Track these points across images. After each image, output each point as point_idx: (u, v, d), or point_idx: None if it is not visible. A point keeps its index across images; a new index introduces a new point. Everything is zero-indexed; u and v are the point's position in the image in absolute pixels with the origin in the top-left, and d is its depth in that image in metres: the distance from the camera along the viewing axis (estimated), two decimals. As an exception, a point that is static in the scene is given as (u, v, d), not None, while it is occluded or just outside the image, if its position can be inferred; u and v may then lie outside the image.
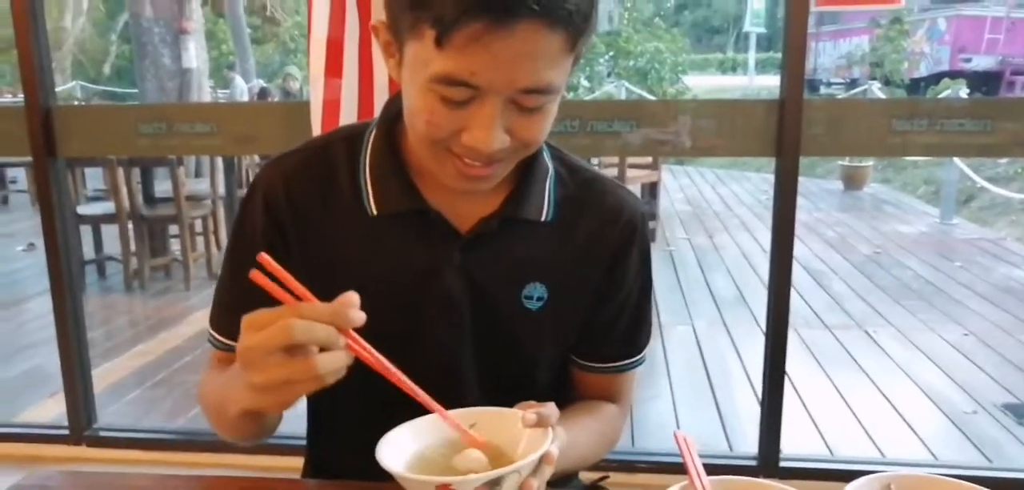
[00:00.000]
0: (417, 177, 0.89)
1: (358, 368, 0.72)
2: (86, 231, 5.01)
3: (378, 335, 0.84)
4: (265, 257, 0.67)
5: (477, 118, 0.75)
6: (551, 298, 0.92)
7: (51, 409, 2.99)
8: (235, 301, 0.88)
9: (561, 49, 0.73)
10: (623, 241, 0.95)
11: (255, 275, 0.66)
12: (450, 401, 0.81)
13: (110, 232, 5.18)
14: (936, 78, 11.71)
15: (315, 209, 0.89)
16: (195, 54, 6.38)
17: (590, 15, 0.75)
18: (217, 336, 0.95)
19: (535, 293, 0.91)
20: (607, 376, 1.01)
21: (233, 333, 0.86)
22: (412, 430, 0.77)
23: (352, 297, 0.66)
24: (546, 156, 0.94)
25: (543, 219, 0.91)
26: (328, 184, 0.90)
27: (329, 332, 0.65)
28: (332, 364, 0.65)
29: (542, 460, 0.72)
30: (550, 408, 0.76)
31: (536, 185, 0.92)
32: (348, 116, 2.00)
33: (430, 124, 0.77)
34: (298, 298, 0.68)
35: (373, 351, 0.70)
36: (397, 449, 0.74)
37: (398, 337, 0.88)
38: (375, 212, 0.88)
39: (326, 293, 0.88)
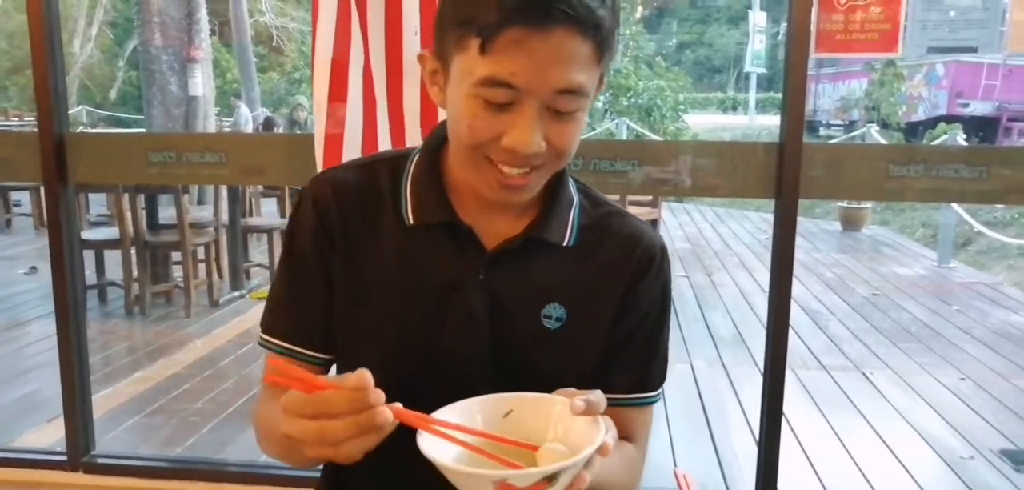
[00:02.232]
0: (453, 195, 0.95)
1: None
2: (88, 256, 5.03)
3: (400, 339, 0.91)
4: (278, 361, 0.75)
5: (517, 122, 0.81)
6: (570, 319, 0.95)
7: (49, 434, 2.99)
8: (289, 305, 0.97)
9: (591, 56, 0.81)
10: (639, 269, 0.98)
11: (270, 378, 0.73)
12: None
13: (112, 257, 5.20)
14: (933, 122, 11.81)
15: (358, 218, 0.95)
16: (202, 82, 6.45)
17: (615, 30, 0.83)
18: (271, 339, 0.98)
19: (554, 313, 0.94)
20: (619, 410, 0.99)
21: (288, 335, 0.96)
22: (457, 416, 0.77)
23: (365, 378, 0.69)
24: (572, 188, 0.99)
25: (565, 243, 0.96)
26: (372, 197, 0.96)
27: (346, 427, 0.69)
28: (357, 449, 0.70)
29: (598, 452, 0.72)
30: (598, 395, 0.77)
31: (561, 211, 0.96)
32: (352, 147, 1.99)
33: (472, 129, 0.83)
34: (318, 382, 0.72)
35: (408, 414, 0.72)
36: (440, 443, 0.73)
37: (419, 344, 0.93)
38: (412, 221, 0.94)
39: (361, 296, 0.94)
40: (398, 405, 0.71)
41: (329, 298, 0.95)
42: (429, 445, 0.71)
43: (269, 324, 0.98)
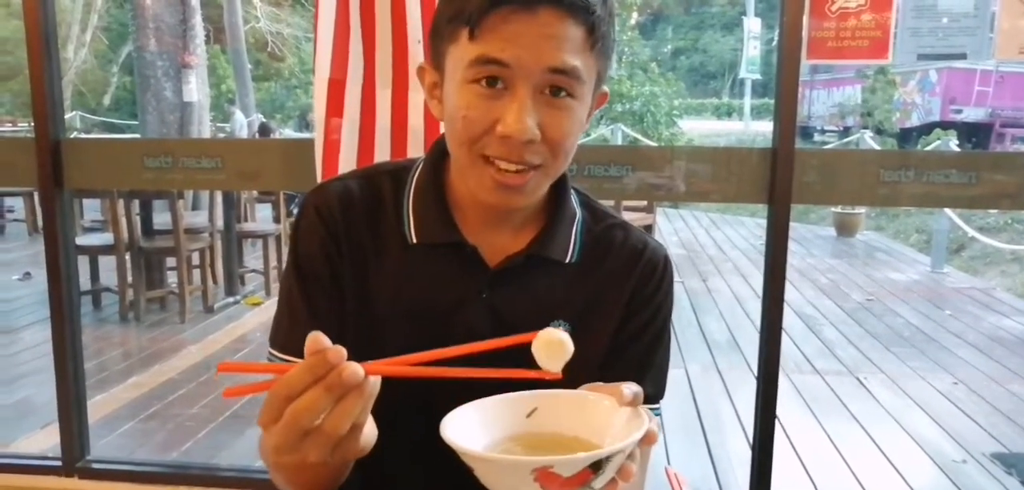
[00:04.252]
0: (456, 211, 0.93)
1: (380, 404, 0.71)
2: (83, 261, 5.02)
3: (412, 377, 0.87)
4: (224, 364, 0.66)
5: (510, 107, 0.81)
6: (575, 336, 0.91)
7: (43, 440, 2.99)
8: (308, 320, 0.90)
9: (582, 41, 0.81)
10: (642, 279, 0.97)
11: (229, 394, 0.66)
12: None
13: (106, 263, 5.20)
14: (928, 128, 11.90)
15: (362, 231, 0.93)
16: (197, 88, 6.46)
17: (608, 20, 0.83)
18: (291, 359, 0.91)
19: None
20: None
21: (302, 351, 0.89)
22: (479, 414, 0.70)
23: (320, 340, 0.62)
24: (574, 202, 0.99)
25: (568, 260, 0.95)
26: (374, 211, 0.95)
27: (315, 397, 0.61)
28: (341, 421, 0.63)
29: (642, 440, 0.65)
30: (639, 388, 0.71)
31: (563, 226, 0.95)
32: (347, 157, 2.01)
33: (467, 120, 0.82)
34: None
35: (380, 364, 0.65)
36: (469, 434, 0.66)
37: (420, 382, 0.91)
38: (415, 241, 0.93)
39: (363, 316, 0.91)
40: (370, 363, 0.64)
41: (343, 307, 0.92)
42: (456, 434, 0.64)
43: (284, 343, 0.92)
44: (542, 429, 0.71)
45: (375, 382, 0.64)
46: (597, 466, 0.62)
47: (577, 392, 0.73)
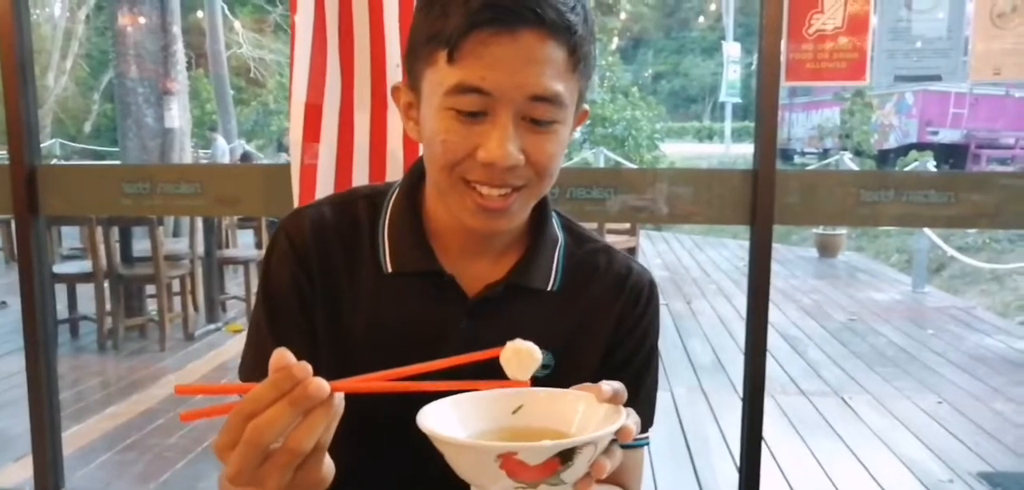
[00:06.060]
0: (434, 239, 0.90)
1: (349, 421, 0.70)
2: (60, 290, 4.94)
3: (379, 395, 0.85)
4: (182, 387, 0.66)
5: (491, 133, 0.78)
6: (558, 366, 0.90)
7: (16, 474, 2.92)
8: (271, 352, 0.86)
9: (564, 63, 0.78)
10: (627, 306, 0.94)
11: (185, 418, 0.64)
12: (446, 468, 0.79)
13: (84, 291, 5.12)
14: (905, 150, 12.07)
15: (336, 259, 0.90)
16: (178, 114, 6.41)
17: (589, 40, 0.81)
18: None
19: (542, 360, 0.91)
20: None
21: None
22: (456, 410, 0.69)
23: (285, 356, 0.61)
24: (556, 226, 0.95)
25: (549, 288, 0.91)
26: (349, 237, 0.91)
27: (279, 412, 0.59)
28: (306, 438, 0.61)
29: (617, 437, 0.66)
30: (621, 385, 0.71)
31: (545, 253, 0.92)
32: (325, 181, 2.00)
33: (446, 145, 0.79)
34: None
35: (347, 382, 0.64)
36: (445, 424, 0.67)
37: (398, 399, 0.89)
38: (390, 270, 0.89)
39: (336, 347, 0.88)
40: (336, 381, 0.63)
41: (313, 341, 0.89)
42: (430, 420, 0.64)
43: (249, 376, 0.89)
44: (520, 423, 0.71)
45: (340, 400, 0.63)
46: (566, 457, 0.61)
47: (558, 390, 0.73)
